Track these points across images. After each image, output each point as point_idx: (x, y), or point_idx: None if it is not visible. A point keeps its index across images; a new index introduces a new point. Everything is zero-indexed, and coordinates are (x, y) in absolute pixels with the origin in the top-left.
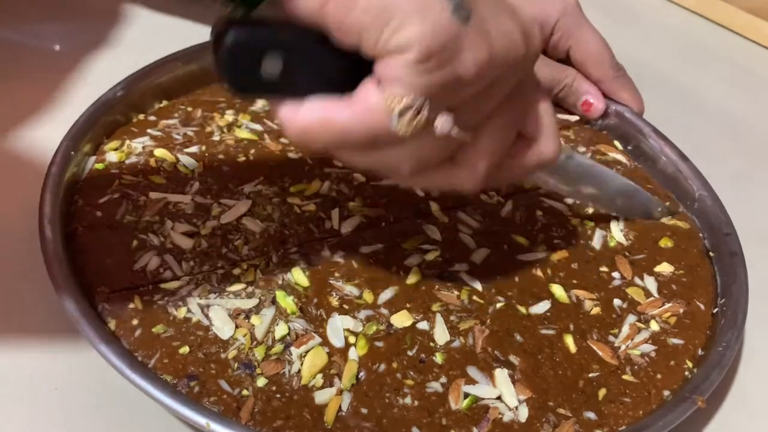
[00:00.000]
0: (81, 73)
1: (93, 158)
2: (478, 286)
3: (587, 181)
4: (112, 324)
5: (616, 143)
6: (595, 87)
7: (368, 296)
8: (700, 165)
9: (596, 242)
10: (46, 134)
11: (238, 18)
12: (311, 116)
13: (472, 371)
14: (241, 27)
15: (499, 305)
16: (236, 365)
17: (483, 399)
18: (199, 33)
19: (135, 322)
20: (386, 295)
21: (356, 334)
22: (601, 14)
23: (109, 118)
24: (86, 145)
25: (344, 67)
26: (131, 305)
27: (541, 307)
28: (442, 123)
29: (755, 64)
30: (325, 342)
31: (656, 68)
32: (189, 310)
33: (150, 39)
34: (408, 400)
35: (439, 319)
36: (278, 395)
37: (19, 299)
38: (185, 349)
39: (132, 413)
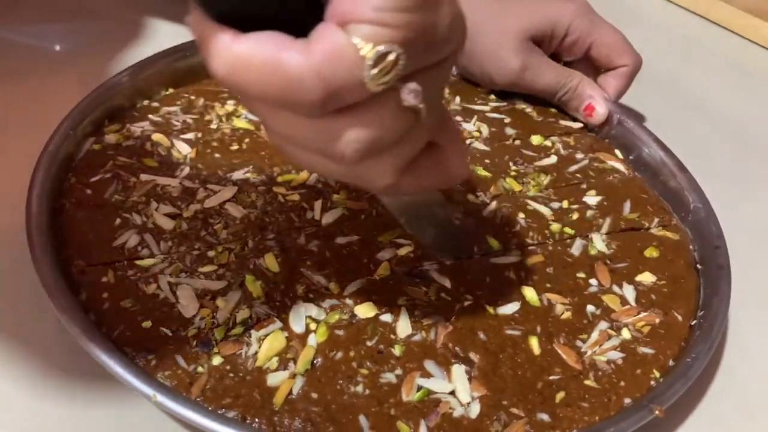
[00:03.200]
0: (81, 73)
1: (92, 139)
2: (447, 283)
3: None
4: (83, 296)
5: (617, 152)
6: (599, 92)
7: (334, 287)
8: (698, 166)
9: (576, 249)
10: (45, 132)
11: None
12: (255, 50)
13: (429, 365)
14: None
15: (466, 303)
16: (195, 343)
17: (436, 393)
18: None
19: (105, 295)
20: (353, 286)
21: (318, 322)
22: (601, 15)
23: (113, 102)
24: (87, 126)
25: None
26: (104, 279)
27: (510, 308)
28: (412, 91)
29: (755, 65)
30: (286, 327)
31: (656, 68)
32: (158, 287)
33: (149, 39)
34: (360, 388)
35: (403, 312)
36: (231, 374)
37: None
38: (148, 324)
39: (132, 413)
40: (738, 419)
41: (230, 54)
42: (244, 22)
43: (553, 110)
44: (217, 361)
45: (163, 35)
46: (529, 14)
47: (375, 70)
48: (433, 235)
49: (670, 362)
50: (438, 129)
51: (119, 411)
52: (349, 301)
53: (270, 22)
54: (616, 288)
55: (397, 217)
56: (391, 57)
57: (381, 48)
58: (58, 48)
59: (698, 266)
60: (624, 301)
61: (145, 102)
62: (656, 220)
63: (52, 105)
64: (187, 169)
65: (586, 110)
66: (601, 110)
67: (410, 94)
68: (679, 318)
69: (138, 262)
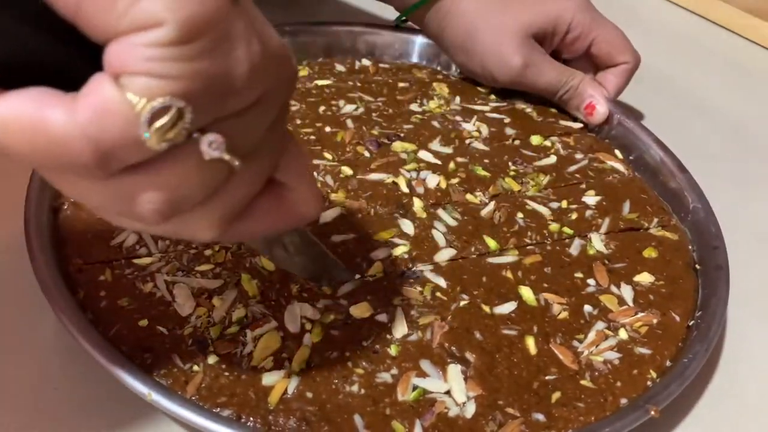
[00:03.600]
0: None
1: None
2: (443, 283)
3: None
4: (81, 294)
5: (617, 152)
6: (600, 91)
7: (327, 288)
8: (698, 166)
9: (574, 249)
10: None
11: None
12: (13, 110)
13: (425, 365)
14: None
15: (462, 303)
16: (191, 341)
17: (431, 392)
18: None
19: (102, 293)
20: (347, 287)
21: (313, 322)
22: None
23: None
24: None
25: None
26: (102, 277)
27: (506, 308)
28: (212, 143)
29: (755, 65)
30: (281, 326)
31: (656, 68)
32: (155, 286)
33: None
34: (355, 387)
35: (399, 312)
36: (227, 373)
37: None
38: (144, 322)
39: (132, 413)
40: (736, 420)
41: None
42: (5, 78)
43: (553, 110)
44: (212, 359)
45: None
46: (531, 11)
47: (154, 127)
48: (303, 266)
49: (667, 363)
50: (279, 167)
51: (116, 409)
52: (343, 302)
53: (37, 75)
54: (614, 288)
55: (261, 253)
56: (172, 112)
57: (157, 103)
58: None
59: (696, 266)
60: (622, 301)
61: None
62: (655, 220)
63: None
64: None
65: (586, 109)
66: (601, 109)
67: (210, 147)
68: (677, 318)
69: (135, 261)
